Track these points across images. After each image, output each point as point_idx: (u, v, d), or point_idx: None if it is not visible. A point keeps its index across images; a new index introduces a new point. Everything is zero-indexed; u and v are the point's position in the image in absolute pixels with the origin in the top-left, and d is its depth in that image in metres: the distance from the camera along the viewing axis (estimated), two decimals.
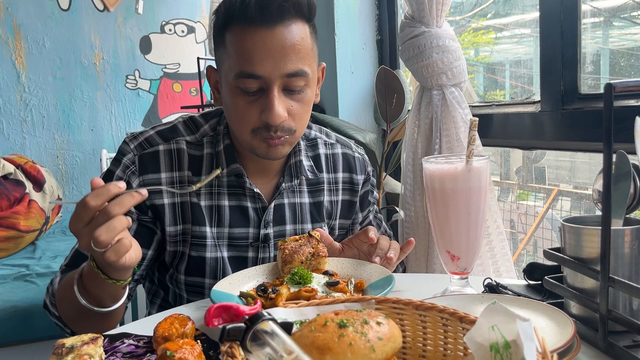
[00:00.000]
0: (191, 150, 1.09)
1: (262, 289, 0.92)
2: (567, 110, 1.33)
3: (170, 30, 3.59)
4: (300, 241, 1.00)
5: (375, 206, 1.32)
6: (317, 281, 0.93)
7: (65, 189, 3.40)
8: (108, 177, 1.08)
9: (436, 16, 1.49)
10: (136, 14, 3.48)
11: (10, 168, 2.44)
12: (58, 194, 2.87)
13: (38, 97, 3.34)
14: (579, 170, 2.68)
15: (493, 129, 1.57)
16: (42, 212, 2.54)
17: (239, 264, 1.10)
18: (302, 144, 1.16)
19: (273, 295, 0.89)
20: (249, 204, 1.10)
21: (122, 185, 0.81)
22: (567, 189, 2.72)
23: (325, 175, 1.19)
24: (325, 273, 0.97)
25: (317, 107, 2.31)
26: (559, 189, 2.70)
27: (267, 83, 0.96)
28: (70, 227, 0.82)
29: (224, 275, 1.07)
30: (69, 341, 0.74)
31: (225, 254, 1.10)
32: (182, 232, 1.08)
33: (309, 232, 1.03)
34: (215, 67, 1.07)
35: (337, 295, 0.89)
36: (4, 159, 2.50)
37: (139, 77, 3.54)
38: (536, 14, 1.42)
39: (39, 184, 2.63)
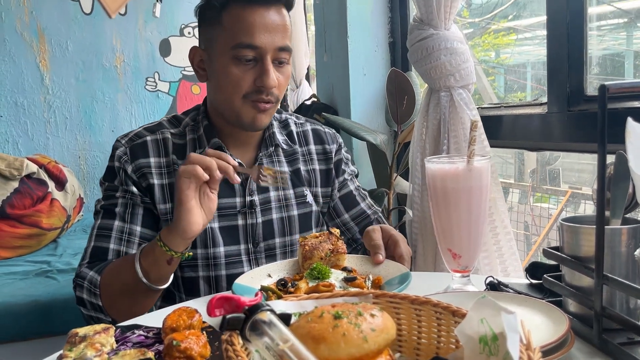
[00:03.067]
0: (175, 139, 1.21)
1: (282, 283, 0.96)
2: (573, 112, 1.34)
3: (189, 33, 3.65)
4: (320, 238, 1.05)
5: (356, 180, 1.39)
6: (335, 276, 0.97)
7: (87, 188, 3.48)
8: (108, 172, 1.19)
9: (444, 19, 1.50)
10: (156, 18, 3.55)
11: (34, 168, 2.51)
12: (79, 194, 2.95)
13: (61, 98, 3.42)
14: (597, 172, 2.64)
15: (502, 130, 1.57)
16: (63, 210, 2.61)
17: (230, 232, 1.19)
18: (275, 123, 1.27)
19: (292, 289, 0.92)
20: None
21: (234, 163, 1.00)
22: (588, 192, 2.69)
23: (298, 148, 1.30)
24: (344, 269, 1.01)
25: (329, 109, 2.34)
26: (578, 191, 2.68)
27: (261, 54, 1.10)
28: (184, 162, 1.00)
29: (214, 244, 1.17)
30: (82, 331, 0.78)
31: (216, 225, 1.18)
32: (172, 210, 1.15)
33: (329, 230, 1.08)
34: (201, 48, 1.19)
35: (355, 290, 0.92)
36: (28, 158, 2.57)
37: (159, 79, 3.61)
38: None
39: (61, 184, 2.70)
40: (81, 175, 3.46)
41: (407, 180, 1.91)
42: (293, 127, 1.31)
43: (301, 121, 1.35)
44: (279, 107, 1.21)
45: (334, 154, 1.33)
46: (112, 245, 1.14)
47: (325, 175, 1.31)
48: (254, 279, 0.99)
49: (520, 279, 1.02)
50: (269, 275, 1.03)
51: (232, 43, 1.10)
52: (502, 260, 1.50)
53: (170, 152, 1.19)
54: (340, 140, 1.37)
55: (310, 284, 0.93)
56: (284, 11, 1.14)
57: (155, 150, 1.19)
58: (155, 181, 1.17)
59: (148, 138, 1.20)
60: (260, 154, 1.23)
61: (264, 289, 0.95)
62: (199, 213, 1.01)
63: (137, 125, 3.52)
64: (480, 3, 2.41)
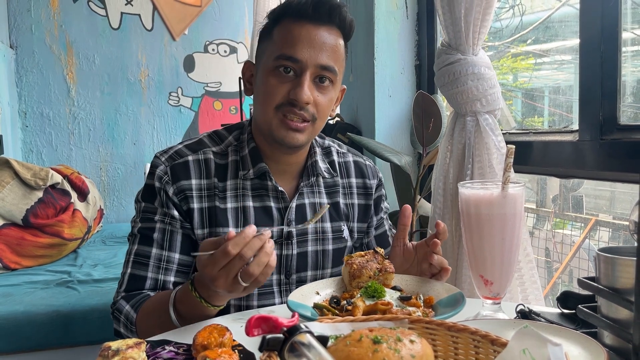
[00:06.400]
0: (217, 159, 1.17)
1: (335, 301, 0.96)
2: (606, 141, 1.33)
3: (213, 50, 3.71)
4: (366, 257, 1.04)
5: (389, 220, 1.37)
6: (390, 295, 0.96)
7: (107, 200, 3.52)
8: (147, 191, 1.16)
9: (472, 44, 1.51)
10: (182, 34, 3.61)
11: (58, 178, 2.54)
12: (100, 205, 2.98)
13: (86, 111, 3.49)
14: (619, 200, 2.63)
15: (530, 156, 1.57)
16: (85, 221, 2.64)
17: None
18: (318, 150, 1.25)
19: (350, 307, 0.92)
20: (272, 204, 1.17)
21: (253, 229, 0.90)
22: (606, 219, 2.66)
23: (339, 179, 1.27)
24: (394, 288, 1.01)
25: (353, 129, 2.35)
26: (597, 219, 2.65)
27: (301, 68, 1.08)
28: (206, 270, 0.90)
29: None
30: (114, 345, 0.78)
31: None
32: (209, 235, 1.14)
33: (374, 249, 1.08)
34: (254, 63, 1.18)
35: (411, 309, 0.92)
36: (52, 169, 2.61)
37: (182, 94, 3.66)
38: (576, 41, 1.42)
39: (83, 194, 2.73)
40: (102, 187, 3.50)
41: (431, 202, 1.90)
42: (335, 157, 1.28)
43: (343, 150, 1.32)
44: (319, 130, 1.17)
45: (374, 189, 1.31)
46: (149, 274, 1.12)
47: (364, 211, 1.29)
48: (305, 296, 0.99)
49: (549, 308, 1.01)
50: (317, 293, 1.02)
51: (276, 54, 1.09)
52: (523, 288, 1.48)
53: (212, 174, 1.15)
54: (380, 174, 1.35)
55: (367, 302, 0.93)
56: (337, 35, 1.12)
57: (197, 171, 1.15)
58: (195, 205, 1.14)
59: (190, 158, 1.16)
60: (302, 184, 1.20)
61: (317, 306, 0.95)
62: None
63: (158, 139, 3.60)
64: (499, 27, 2.42)
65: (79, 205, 2.65)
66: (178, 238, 1.14)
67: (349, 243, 1.26)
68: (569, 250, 2.63)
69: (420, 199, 1.94)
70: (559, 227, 2.81)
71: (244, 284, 0.90)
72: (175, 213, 1.13)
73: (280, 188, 1.17)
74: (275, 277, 1.18)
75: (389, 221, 1.38)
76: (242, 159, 1.17)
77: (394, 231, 1.36)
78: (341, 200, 1.26)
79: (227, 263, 0.88)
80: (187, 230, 1.15)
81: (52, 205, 2.47)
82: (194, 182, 1.14)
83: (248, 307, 1.17)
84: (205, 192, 1.15)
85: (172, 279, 1.13)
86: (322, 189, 1.24)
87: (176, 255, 1.14)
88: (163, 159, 1.16)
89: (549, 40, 2.40)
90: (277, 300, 1.18)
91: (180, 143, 1.20)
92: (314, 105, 1.10)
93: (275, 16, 1.12)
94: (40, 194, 2.44)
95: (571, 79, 2.41)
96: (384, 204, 1.35)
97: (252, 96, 1.19)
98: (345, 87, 1.23)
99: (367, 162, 1.33)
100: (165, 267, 1.13)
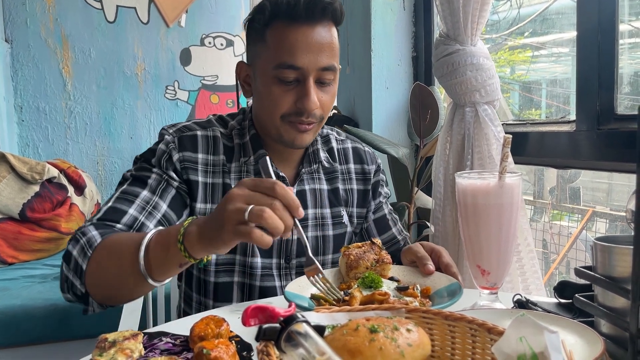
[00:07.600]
0: (224, 140, 1.18)
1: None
2: (603, 131, 1.33)
3: (209, 43, 3.69)
4: (363, 247, 1.05)
5: (389, 205, 1.38)
6: (387, 286, 0.97)
7: (104, 194, 3.50)
8: (150, 152, 1.14)
9: (471, 35, 1.51)
10: (178, 27, 3.59)
11: (55, 172, 2.54)
12: (97, 199, 2.97)
13: (82, 105, 3.46)
14: (616, 192, 2.63)
15: (527, 147, 1.57)
16: (82, 215, 2.64)
17: None
18: (318, 138, 1.25)
19: (347, 298, 0.92)
20: None
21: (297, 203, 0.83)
22: (603, 211, 2.67)
23: (338, 166, 1.28)
24: (391, 279, 1.01)
25: (350, 121, 2.35)
26: (594, 210, 2.66)
27: (303, 74, 1.06)
28: (245, 181, 0.83)
29: (252, 254, 1.14)
30: (111, 336, 0.78)
31: None
32: (211, 210, 1.12)
33: (371, 240, 1.08)
34: (247, 63, 1.17)
35: (408, 299, 0.92)
36: (49, 163, 2.60)
37: (178, 87, 3.64)
38: (574, 33, 1.42)
39: (80, 188, 2.73)
40: (99, 181, 3.49)
41: (428, 194, 1.90)
42: (334, 144, 1.29)
43: (342, 137, 1.33)
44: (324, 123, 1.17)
45: (372, 174, 1.32)
46: (131, 210, 1.05)
47: (363, 196, 1.30)
48: (302, 287, 0.99)
49: (546, 298, 1.01)
50: None
51: (275, 62, 1.06)
52: (524, 278, 1.49)
53: (220, 152, 1.16)
54: (379, 161, 1.36)
55: (364, 293, 0.93)
56: (332, 28, 1.10)
57: (205, 146, 1.15)
58: (200, 179, 1.13)
59: (199, 132, 1.15)
60: (303, 170, 1.22)
61: (314, 297, 0.95)
62: None
63: (155, 133, 3.58)
64: (497, 19, 2.42)
65: (76, 199, 2.65)
66: (171, 192, 1.11)
67: (349, 228, 1.26)
68: (566, 242, 2.64)
69: (417, 191, 1.94)
70: (557, 218, 2.82)
71: (246, 216, 0.79)
72: (173, 174, 1.11)
73: (281, 174, 1.18)
74: (275, 260, 1.18)
75: (389, 206, 1.38)
76: (244, 145, 1.18)
77: (395, 216, 1.38)
78: (340, 186, 1.27)
79: (261, 192, 0.81)
80: (182, 191, 1.12)
81: (49, 199, 2.47)
82: (200, 156, 1.14)
83: (251, 286, 1.17)
84: (211, 168, 1.15)
85: (151, 226, 1.06)
86: (322, 175, 1.25)
87: (164, 206, 1.09)
88: (171, 130, 1.15)
89: (546, 32, 2.40)
90: (277, 283, 1.19)
91: (189, 120, 1.20)
92: (320, 108, 1.09)
93: (266, 18, 1.08)
94: (37, 188, 2.43)
95: (569, 71, 2.41)
96: (384, 190, 1.36)
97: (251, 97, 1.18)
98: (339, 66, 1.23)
99: (366, 149, 1.34)
100: (149, 211, 1.07)
